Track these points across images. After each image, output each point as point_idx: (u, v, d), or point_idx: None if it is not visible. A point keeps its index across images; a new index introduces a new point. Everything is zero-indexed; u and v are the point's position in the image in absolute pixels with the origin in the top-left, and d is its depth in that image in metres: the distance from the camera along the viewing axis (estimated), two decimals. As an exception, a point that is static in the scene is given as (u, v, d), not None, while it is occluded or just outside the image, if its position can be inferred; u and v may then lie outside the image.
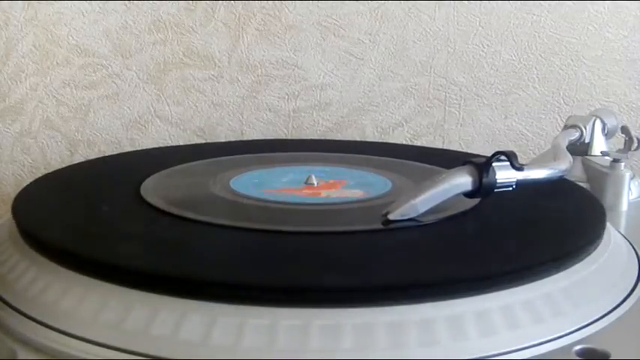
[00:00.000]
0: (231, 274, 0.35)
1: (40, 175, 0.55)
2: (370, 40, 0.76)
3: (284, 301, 0.33)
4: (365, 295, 0.33)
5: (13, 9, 0.73)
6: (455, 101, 0.77)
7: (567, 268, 0.38)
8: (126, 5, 0.74)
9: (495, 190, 0.42)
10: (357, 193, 0.49)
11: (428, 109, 0.77)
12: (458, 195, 0.42)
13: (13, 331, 0.35)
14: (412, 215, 0.42)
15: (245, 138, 0.77)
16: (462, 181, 0.42)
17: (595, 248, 0.41)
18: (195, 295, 0.33)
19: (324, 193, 0.49)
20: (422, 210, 0.42)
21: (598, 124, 0.59)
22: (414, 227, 0.42)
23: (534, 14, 0.75)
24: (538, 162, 0.54)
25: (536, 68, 0.76)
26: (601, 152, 0.58)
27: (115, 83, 0.76)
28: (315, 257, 0.38)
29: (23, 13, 0.73)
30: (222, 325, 0.32)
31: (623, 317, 0.37)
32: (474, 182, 0.42)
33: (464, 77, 0.76)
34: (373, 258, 0.38)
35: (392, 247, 0.40)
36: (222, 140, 0.76)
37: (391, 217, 0.42)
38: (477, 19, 0.75)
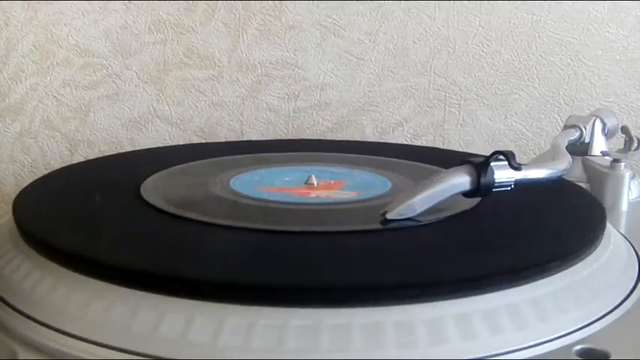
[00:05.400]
0: (234, 275, 0.35)
1: (40, 175, 0.55)
2: (370, 40, 0.76)
3: (289, 301, 0.33)
4: (367, 295, 0.33)
5: (13, 9, 0.73)
6: (455, 101, 0.77)
7: (567, 268, 0.38)
8: (126, 5, 0.74)
9: (494, 190, 0.42)
10: (349, 194, 0.49)
11: (428, 109, 0.77)
12: (457, 195, 0.42)
13: (14, 331, 0.35)
14: (410, 215, 0.42)
15: (245, 138, 0.77)
16: (460, 180, 0.42)
17: (595, 248, 0.41)
18: (200, 296, 0.33)
19: (313, 194, 0.49)
20: (419, 210, 0.42)
21: (598, 124, 0.59)
22: (412, 227, 0.42)
23: (534, 14, 0.75)
24: (537, 162, 0.54)
25: (536, 68, 0.76)
26: (601, 152, 0.58)
27: (115, 83, 0.76)
28: (313, 257, 0.38)
29: (23, 13, 0.73)
30: (230, 326, 0.32)
31: (623, 317, 0.37)
32: (472, 182, 0.42)
33: (464, 77, 0.76)
34: (372, 258, 0.38)
35: (391, 247, 0.40)
36: (222, 140, 0.76)
37: (389, 216, 0.42)
38: (477, 19, 0.75)
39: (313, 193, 0.49)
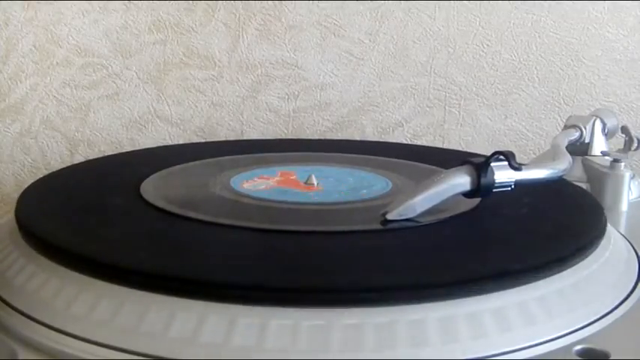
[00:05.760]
0: (245, 277, 0.35)
1: (40, 175, 0.55)
2: (370, 40, 0.76)
3: (301, 302, 0.33)
4: (379, 295, 0.34)
5: (13, 9, 0.73)
6: (455, 101, 0.77)
7: (567, 268, 0.38)
8: (126, 5, 0.74)
9: (494, 191, 0.42)
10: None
11: (428, 109, 0.77)
12: (457, 195, 0.42)
13: (14, 331, 0.35)
14: (410, 215, 0.42)
15: (245, 138, 0.77)
16: (461, 181, 0.42)
17: (595, 248, 0.41)
18: (201, 296, 0.33)
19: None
20: (420, 210, 0.42)
21: (598, 124, 0.59)
22: (412, 227, 0.42)
23: (534, 14, 0.75)
24: (537, 162, 0.54)
25: (536, 68, 0.76)
26: (601, 152, 0.58)
27: (115, 83, 0.76)
28: (313, 257, 0.38)
29: (23, 13, 0.73)
30: (241, 327, 0.32)
31: (623, 317, 0.37)
32: (472, 182, 0.42)
33: (464, 77, 0.76)
34: (376, 258, 0.38)
35: (391, 246, 0.40)
36: (222, 140, 0.76)
37: (389, 216, 0.42)
38: (477, 19, 0.75)
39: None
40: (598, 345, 0.33)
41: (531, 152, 0.76)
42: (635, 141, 0.58)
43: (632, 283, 0.40)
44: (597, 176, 0.56)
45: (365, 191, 0.49)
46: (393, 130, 0.77)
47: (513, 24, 0.75)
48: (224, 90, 0.76)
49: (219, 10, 0.75)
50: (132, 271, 0.35)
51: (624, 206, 0.55)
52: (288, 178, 0.52)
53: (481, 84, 0.76)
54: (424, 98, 0.77)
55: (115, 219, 0.44)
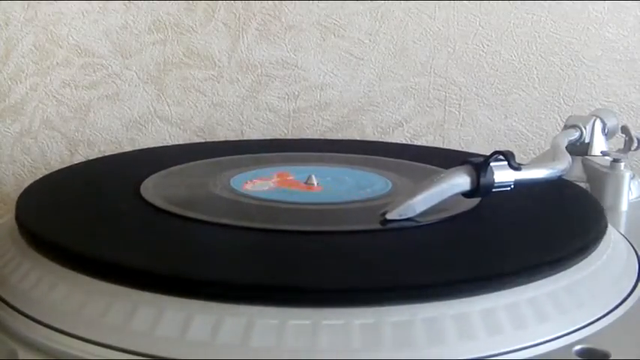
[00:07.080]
0: (234, 275, 0.35)
1: (40, 175, 0.55)
2: (370, 40, 0.76)
3: (288, 301, 0.33)
4: (365, 296, 0.34)
5: (13, 9, 0.73)
6: (455, 101, 0.77)
7: (567, 268, 0.38)
8: (126, 5, 0.74)
9: (493, 190, 0.42)
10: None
11: (428, 109, 0.77)
12: (456, 195, 0.42)
13: (14, 331, 0.35)
14: (410, 215, 0.42)
15: (245, 138, 0.77)
16: (460, 181, 0.42)
17: (595, 248, 0.41)
18: (199, 296, 0.33)
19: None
20: (419, 210, 0.42)
21: (598, 124, 0.59)
22: (412, 227, 0.42)
23: (534, 14, 0.75)
24: (537, 162, 0.54)
25: (536, 68, 0.76)
26: (601, 152, 0.58)
27: (115, 83, 0.76)
28: (313, 257, 0.38)
29: (23, 13, 0.73)
30: (230, 325, 0.32)
31: (623, 317, 0.37)
32: (471, 182, 0.42)
33: (464, 77, 0.76)
34: (371, 258, 0.38)
35: (390, 247, 0.40)
36: (222, 140, 0.76)
37: (389, 216, 0.42)
38: (477, 19, 0.75)
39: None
40: (598, 345, 0.33)
41: (531, 152, 0.76)
42: (635, 141, 0.58)
43: (632, 283, 0.40)
44: (597, 176, 0.56)
45: (365, 191, 0.49)
46: (393, 130, 0.77)
47: (513, 24, 0.75)
48: (224, 90, 0.76)
49: (219, 10, 0.75)
50: (132, 272, 0.35)
51: (624, 206, 0.54)
52: (286, 179, 0.52)
53: (481, 84, 0.76)
54: (424, 98, 0.77)
55: (115, 219, 0.44)
